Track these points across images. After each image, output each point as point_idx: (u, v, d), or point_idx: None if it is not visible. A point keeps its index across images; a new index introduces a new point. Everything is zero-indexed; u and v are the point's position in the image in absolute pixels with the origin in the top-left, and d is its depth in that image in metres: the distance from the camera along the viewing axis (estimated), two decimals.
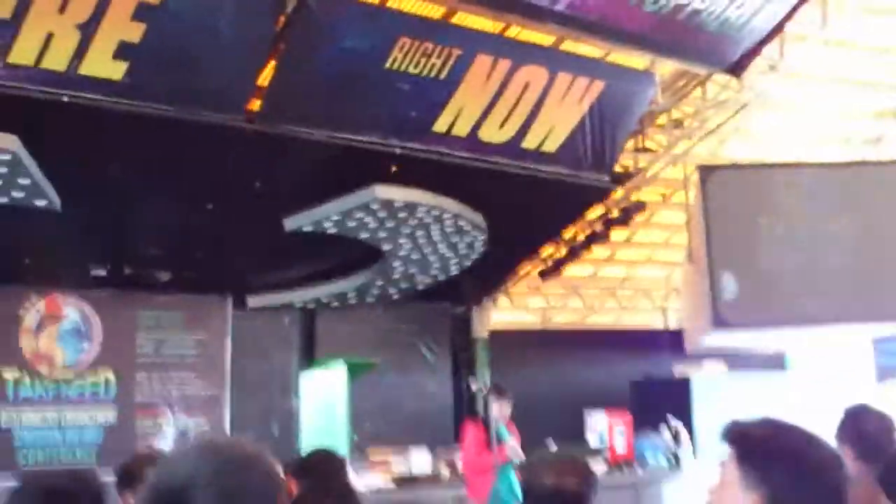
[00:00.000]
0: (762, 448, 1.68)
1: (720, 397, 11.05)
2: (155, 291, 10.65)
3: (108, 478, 3.05)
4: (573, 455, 2.77)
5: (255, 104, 7.52)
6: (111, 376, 10.61)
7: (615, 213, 10.59)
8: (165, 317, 10.94)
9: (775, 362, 14.00)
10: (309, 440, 9.74)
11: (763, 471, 1.65)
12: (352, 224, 8.80)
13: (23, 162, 6.85)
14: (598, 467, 8.09)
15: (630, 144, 9.95)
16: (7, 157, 6.73)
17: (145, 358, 10.82)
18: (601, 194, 10.08)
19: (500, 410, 6.31)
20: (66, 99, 6.67)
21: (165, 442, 10.53)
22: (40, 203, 7.54)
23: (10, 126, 6.67)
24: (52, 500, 1.90)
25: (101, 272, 10.02)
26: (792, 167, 11.35)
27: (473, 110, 8.24)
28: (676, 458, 9.01)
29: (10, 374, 10.01)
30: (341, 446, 8.43)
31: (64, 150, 7.20)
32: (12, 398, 10.00)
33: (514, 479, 5.86)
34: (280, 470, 1.13)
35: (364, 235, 9.13)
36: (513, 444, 6.20)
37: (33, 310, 10.20)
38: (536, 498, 2.61)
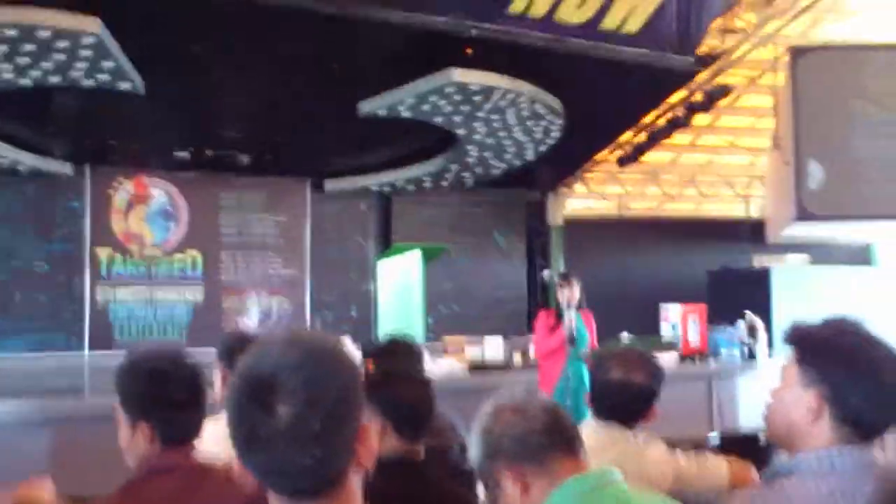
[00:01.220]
0: (820, 348, 1.73)
1: (801, 290, 10.79)
2: (236, 174, 10.92)
3: (198, 353, 3.21)
4: (641, 349, 2.80)
5: None
6: (198, 256, 11.01)
7: (698, 97, 10.27)
8: (247, 199, 11.25)
9: (861, 256, 13.70)
10: (385, 323, 9.98)
11: (821, 369, 1.71)
12: (426, 108, 8.77)
13: (106, 44, 6.98)
14: (671, 359, 8.09)
15: (717, 23, 9.52)
16: (91, 39, 6.87)
17: (229, 239, 11.20)
18: (685, 77, 9.74)
19: (566, 296, 6.29)
20: None
21: (250, 321, 10.97)
22: (124, 86, 7.72)
23: (93, 8, 6.77)
24: (154, 378, 2.04)
25: (185, 154, 10.27)
26: (889, 49, 10.83)
27: None
28: (751, 351, 8.94)
29: (103, 253, 10.49)
30: (416, 330, 8.61)
31: (144, 31, 7.29)
32: (106, 275, 10.49)
33: (584, 370, 5.89)
34: (358, 359, 1.24)
35: (439, 120, 9.12)
36: (568, 320, 6.17)
37: (122, 190, 10.57)
38: (603, 390, 2.66)
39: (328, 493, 1.18)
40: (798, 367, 1.74)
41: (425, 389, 2.46)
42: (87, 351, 10.17)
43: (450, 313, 11.83)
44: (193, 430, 2.09)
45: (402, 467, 2.23)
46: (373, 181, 11.32)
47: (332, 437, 1.15)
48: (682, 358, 8.22)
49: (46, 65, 7.22)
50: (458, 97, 8.57)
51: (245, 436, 1.16)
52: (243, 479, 1.18)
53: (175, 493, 1.98)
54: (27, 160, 9.53)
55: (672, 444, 2.72)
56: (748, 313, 9.22)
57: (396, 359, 3.16)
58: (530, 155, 10.57)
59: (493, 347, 8.04)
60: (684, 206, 13.93)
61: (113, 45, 7.07)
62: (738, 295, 10.87)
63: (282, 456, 1.14)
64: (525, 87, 8.75)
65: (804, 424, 1.72)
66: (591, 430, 2.59)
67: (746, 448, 2.75)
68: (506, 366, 7.63)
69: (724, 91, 10.11)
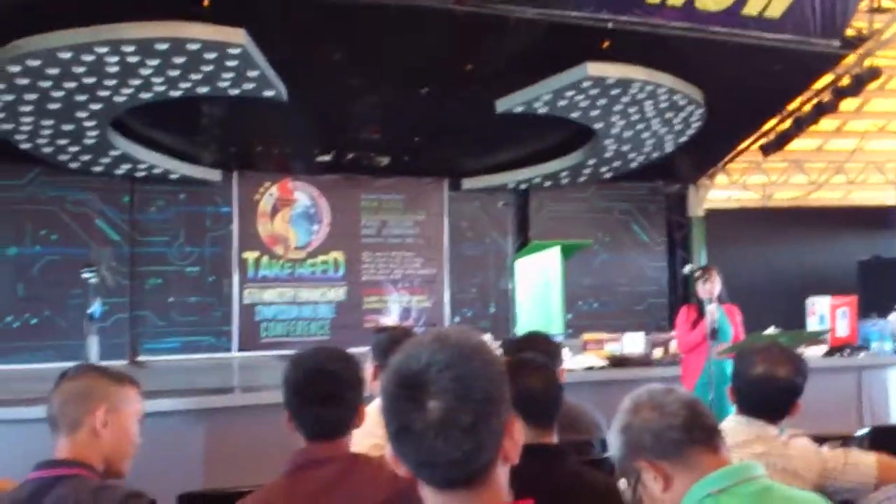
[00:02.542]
0: None
1: None
2: (376, 175, 11.17)
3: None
4: (784, 344, 2.72)
5: None
6: (339, 256, 11.32)
7: (846, 81, 9.82)
8: (386, 200, 11.50)
9: None
10: (524, 320, 9.98)
11: None
12: (563, 103, 8.74)
13: (250, 54, 7.28)
14: (818, 350, 7.79)
15: (864, 4, 9.09)
16: (237, 50, 7.18)
17: (369, 239, 11.46)
18: (831, 61, 9.34)
19: (706, 290, 6.14)
20: None
21: (390, 318, 11.19)
22: (269, 93, 8.02)
23: (238, 20, 7.07)
24: (296, 376, 2.13)
25: (326, 158, 10.58)
26: None
27: None
28: None
29: (250, 255, 10.91)
30: (556, 327, 8.58)
31: (285, 42, 7.56)
32: (253, 277, 10.93)
33: (727, 364, 5.75)
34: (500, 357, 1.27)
35: (575, 115, 9.07)
36: (709, 314, 6.01)
37: (267, 194, 10.98)
38: (746, 385, 2.61)
39: (476, 484, 1.21)
40: None
41: (546, 376, 2.46)
42: (235, 350, 10.61)
43: (589, 309, 11.74)
44: (337, 426, 2.14)
45: (538, 453, 2.21)
46: (510, 178, 11.35)
47: (479, 431, 1.18)
48: (831, 350, 7.88)
49: (195, 76, 7.59)
50: (594, 91, 8.51)
51: (397, 429, 1.21)
52: (397, 468, 1.23)
53: (326, 484, 2.05)
54: (178, 168, 10.03)
55: (820, 440, 2.64)
56: None
57: (532, 353, 3.15)
58: (670, 147, 10.38)
59: (632, 343, 7.93)
60: (832, 195, 13.34)
61: (257, 54, 7.37)
62: (890, 285, 10.34)
63: (432, 449, 1.18)
64: (664, 78, 8.60)
65: None
66: (734, 424, 2.57)
67: None
68: (645, 359, 7.51)
69: (874, 74, 9.63)
